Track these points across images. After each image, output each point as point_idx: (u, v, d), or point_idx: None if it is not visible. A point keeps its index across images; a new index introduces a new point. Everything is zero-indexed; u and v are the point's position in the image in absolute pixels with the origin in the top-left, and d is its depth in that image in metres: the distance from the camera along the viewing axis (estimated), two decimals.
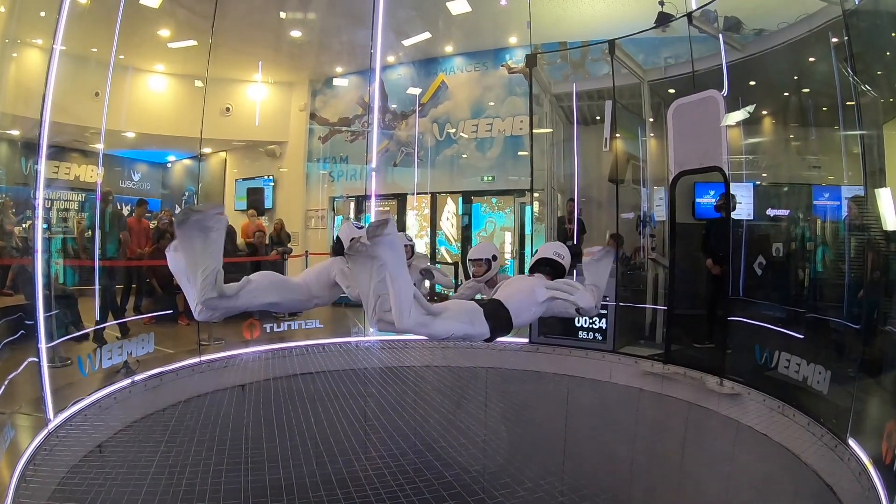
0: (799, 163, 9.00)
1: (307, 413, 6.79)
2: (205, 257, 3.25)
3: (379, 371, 7.93)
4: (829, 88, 6.03)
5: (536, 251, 4.54)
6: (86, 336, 7.10)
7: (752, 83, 8.39)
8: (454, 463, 6.12)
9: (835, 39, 5.84)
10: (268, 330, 8.37)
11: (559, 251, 4.36)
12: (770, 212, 8.87)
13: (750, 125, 8.96)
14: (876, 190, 4.95)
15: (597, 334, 7.98)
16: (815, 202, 8.43)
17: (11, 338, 5.58)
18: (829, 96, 6.38)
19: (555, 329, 8.24)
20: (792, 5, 7.02)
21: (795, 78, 8.05)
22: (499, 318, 3.68)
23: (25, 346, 5.52)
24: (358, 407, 7.44)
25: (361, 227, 4.31)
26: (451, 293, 8.87)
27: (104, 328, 7.24)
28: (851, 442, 4.60)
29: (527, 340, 8.36)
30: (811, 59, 7.31)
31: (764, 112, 9.04)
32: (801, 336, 5.86)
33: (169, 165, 16.89)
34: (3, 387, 5.07)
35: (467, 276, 12.11)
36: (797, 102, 8.38)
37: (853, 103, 5.19)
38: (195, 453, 5.39)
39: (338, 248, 4.68)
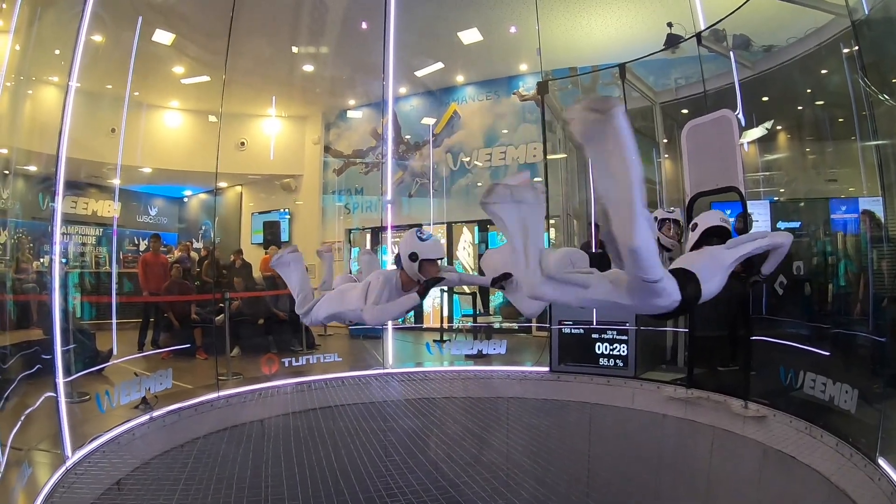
0: (815, 177, 8.92)
1: (327, 448, 6.71)
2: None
3: (399, 404, 7.85)
4: (844, 100, 5.97)
5: (694, 223, 3.69)
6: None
7: (765, 99, 8.36)
8: (478, 498, 6.00)
9: (846, 50, 5.79)
10: (286, 364, 8.35)
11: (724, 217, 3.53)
12: (780, 224, 8.75)
13: (765, 141, 8.91)
14: None
15: (618, 361, 7.86)
16: (832, 216, 8.32)
17: (28, 371, 5.59)
18: (844, 108, 6.32)
19: (576, 357, 8.14)
20: (800, 20, 7.00)
21: (808, 91, 8.01)
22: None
23: (43, 380, 5.53)
24: (378, 441, 7.34)
25: (424, 240, 3.93)
26: None
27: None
28: (881, 461, 4.46)
29: (548, 369, 8.27)
30: (823, 72, 7.28)
31: (779, 127, 8.98)
32: (827, 353, 5.72)
33: (185, 200, 17.16)
34: (20, 422, 5.06)
35: (486, 306, 12.00)
36: (811, 116, 8.33)
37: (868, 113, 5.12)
38: (214, 490, 5.33)
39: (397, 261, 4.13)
